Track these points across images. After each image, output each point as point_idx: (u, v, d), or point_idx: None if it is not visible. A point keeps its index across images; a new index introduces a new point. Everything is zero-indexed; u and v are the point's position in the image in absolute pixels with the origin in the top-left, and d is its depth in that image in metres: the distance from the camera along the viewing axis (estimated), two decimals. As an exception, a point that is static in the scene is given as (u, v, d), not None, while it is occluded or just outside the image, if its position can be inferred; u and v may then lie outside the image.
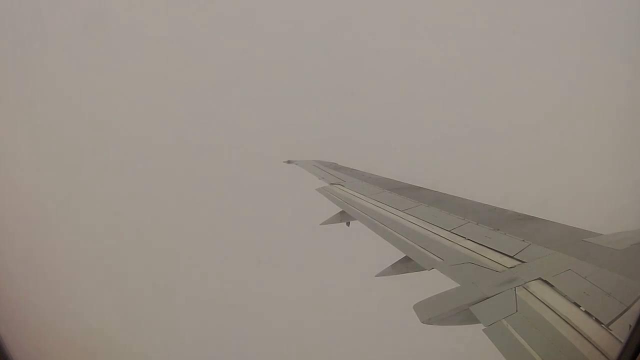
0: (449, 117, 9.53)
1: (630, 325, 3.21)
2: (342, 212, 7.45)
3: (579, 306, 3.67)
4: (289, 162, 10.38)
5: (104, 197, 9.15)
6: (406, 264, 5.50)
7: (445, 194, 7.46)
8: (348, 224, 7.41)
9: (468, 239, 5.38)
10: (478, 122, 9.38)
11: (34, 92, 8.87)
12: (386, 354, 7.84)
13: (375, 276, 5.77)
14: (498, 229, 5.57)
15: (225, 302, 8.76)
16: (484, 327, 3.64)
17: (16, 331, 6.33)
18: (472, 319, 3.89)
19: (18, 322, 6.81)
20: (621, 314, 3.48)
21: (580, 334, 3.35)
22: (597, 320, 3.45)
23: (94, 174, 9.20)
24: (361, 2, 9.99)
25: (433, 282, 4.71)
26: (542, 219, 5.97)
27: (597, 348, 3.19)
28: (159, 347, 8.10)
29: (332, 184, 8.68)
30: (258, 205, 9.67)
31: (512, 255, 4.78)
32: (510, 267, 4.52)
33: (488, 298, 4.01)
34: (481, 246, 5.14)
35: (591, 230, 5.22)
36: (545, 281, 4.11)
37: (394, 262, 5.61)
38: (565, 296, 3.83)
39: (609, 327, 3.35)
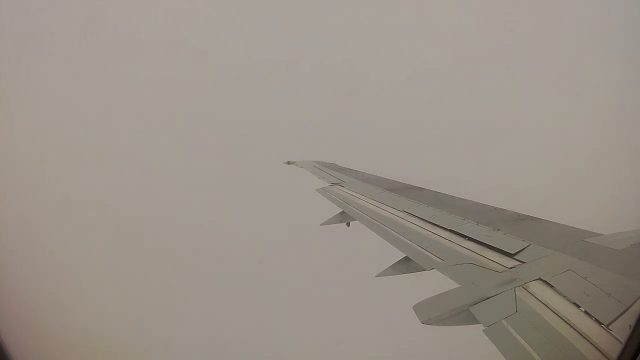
0: (449, 118, 9.53)
1: (630, 325, 3.21)
2: (342, 213, 7.44)
3: (579, 306, 3.66)
4: (289, 162, 10.39)
5: (105, 197, 9.15)
6: (406, 264, 5.49)
7: (445, 194, 7.44)
8: (348, 224, 7.40)
9: (468, 239, 5.38)
10: (478, 122, 9.39)
11: (34, 92, 8.87)
12: (386, 354, 7.84)
13: (376, 276, 5.77)
14: (498, 229, 5.56)
15: (226, 302, 8.76)
16: (484, 328, 3.63)
17: (16, 331, 6.33)
18: (472, 319, 3.87)
19: (18, 322, 6.81)
20: (621, 314, 3.47)
21: (580, 334, 3.34)
22: (597, 320, 3.45)
23: (94, 174, 9.20)
24: (361, 3, 10.00)
25: (433, 282, 4.71)
26: (542, 219, 5.96)
27: (597, 348, 3.19)
28: (159, 347, 8.10)
29: (332, 185, 8.67)
30: (258, 206, 9.67)
31: (512, 255, 4.77)
32: (510, 268, 4.51)
33: (488, 298, 4.00)
34: (481, 246, 5.13)
35: (591, 230, 5.22)
36: (545, 281, 4.10)
37: (394, 263, 5.60)
38: (565, 296, 3.82)
39: (609, 327, 3.35)
